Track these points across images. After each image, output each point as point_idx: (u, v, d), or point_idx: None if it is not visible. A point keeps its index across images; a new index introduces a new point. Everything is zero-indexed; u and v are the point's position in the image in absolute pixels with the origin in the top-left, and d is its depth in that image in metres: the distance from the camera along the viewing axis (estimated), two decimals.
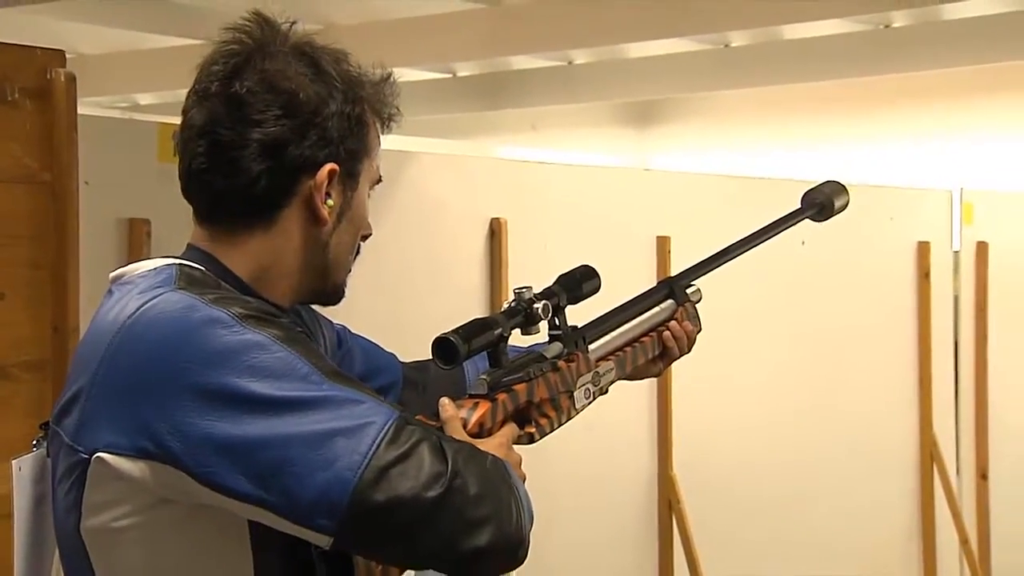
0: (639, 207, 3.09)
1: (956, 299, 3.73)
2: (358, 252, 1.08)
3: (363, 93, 1.05)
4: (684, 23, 3.41)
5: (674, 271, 3.08)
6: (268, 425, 0.89)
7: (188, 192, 1.05)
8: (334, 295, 1.07)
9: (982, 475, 3.73)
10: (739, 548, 3.14)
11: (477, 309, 2.75)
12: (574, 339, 1.13)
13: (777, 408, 3.31)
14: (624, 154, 5.79)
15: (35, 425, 1.66)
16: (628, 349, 1.21)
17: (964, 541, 3.60)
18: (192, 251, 1.04)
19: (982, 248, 3.75)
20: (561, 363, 1.11)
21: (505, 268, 2.76)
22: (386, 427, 0.90)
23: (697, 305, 1.32)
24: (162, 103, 4.42)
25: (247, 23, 1.04)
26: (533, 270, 2.86)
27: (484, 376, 1.04)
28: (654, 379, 3.05)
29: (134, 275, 1.00)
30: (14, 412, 1.66)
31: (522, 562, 0.97)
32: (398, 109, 1.08)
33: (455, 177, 2.71)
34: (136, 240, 2.08)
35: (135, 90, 4.38)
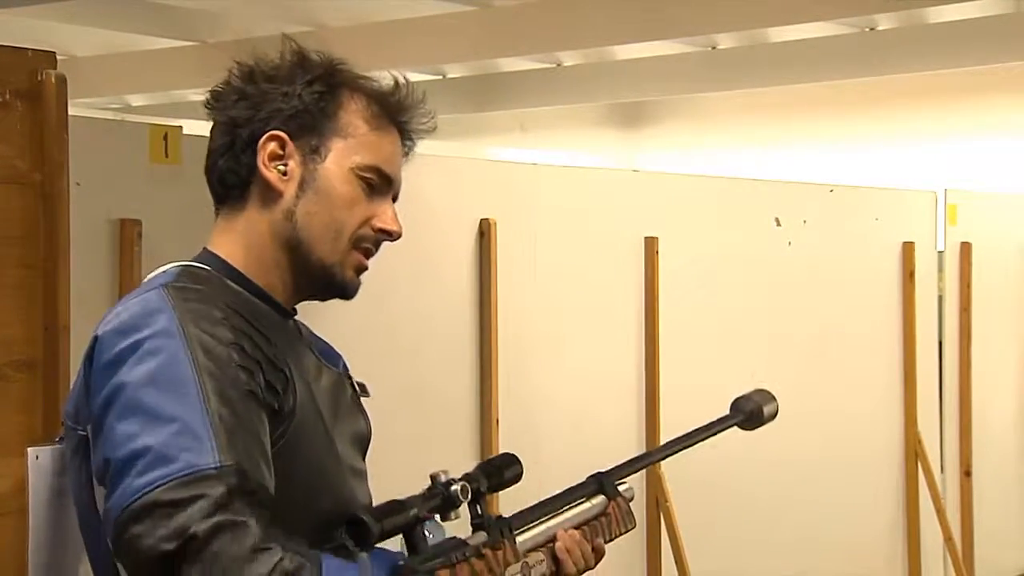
0: (627, 208, 3.11)
1: (940, 299, 3.76)
2: (375, 250, 1.10)
3: (342, 79, 1.08)
4: (671, 26, 3.43)
5: (662, 272, 3.14)
6: (128, 426, 0.94)
7: None
8: (326, 279, 1.08)
9: (966, 472, 3.77)
10: (726, 545, 3.17)
11: (466, 309, 2.77)
12: (499, 527, 1.04)
13: None
14: (612, 155, 5.81)
15: (27, 423, 1.67)
16: (559, 541, 1.08)
17: (948, 538, 3.63)
18: (202, 251, 1.10)
19: (966, 248, 3.79)
20: (486, 550, 1.01)
21: (494, 268, 2.78)
22: (186, 470, 0.90)
23: (631, 501, 1.19)
24: (153, 104, 4.42)
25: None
26: (522, 271, 2.90)
27: (402, 562, 0.97)
28: (642, 376, 3.10)
29: (150, 277, 1.08)
30: (6, 411, 1.67)
31: None
32: (402, 100, 1.10)
33: (444, 178, 2.72)
34: (127, 240, 2.09)
35: (126, 91, 4.38)
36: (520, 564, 1.04)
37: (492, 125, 5.06)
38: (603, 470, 1.18)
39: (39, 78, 1.74)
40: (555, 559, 1.08)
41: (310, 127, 1.07)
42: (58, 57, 1.80)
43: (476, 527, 1.02)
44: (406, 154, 1.13)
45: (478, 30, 3.58)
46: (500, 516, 1.04)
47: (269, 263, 1.07)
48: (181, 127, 2.24)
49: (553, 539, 1.08)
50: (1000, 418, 3.90)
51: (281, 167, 1.06)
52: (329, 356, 1.14)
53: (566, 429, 2.86)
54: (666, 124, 5.23)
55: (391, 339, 2.57)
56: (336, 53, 1.11)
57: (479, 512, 1.03)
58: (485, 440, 2.70)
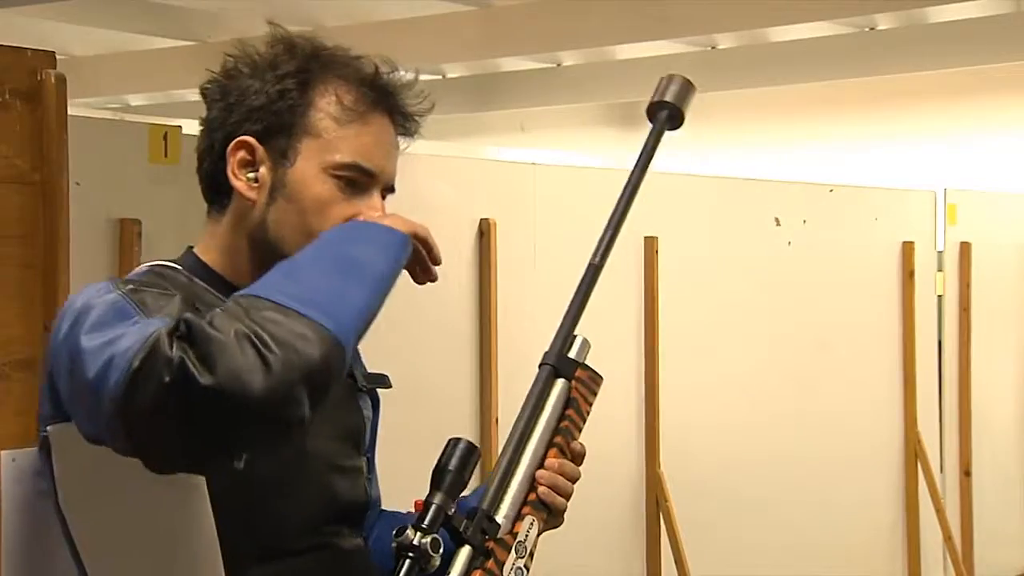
0: None
1: (940, 298, 3.77)
2: None
3: (316, 70, 1.02)
4: (671, 25, 3.44)
5: (661, 272, 3.14)
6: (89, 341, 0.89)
7: None
8: None
9: (965, 472, 3.77)
10: (726, 545, 3.17)
11: (466, 308, 2.77)
12: (479, 527, 0.97)
13: (764, 406, 3.34)
14: (612, 155, 5.81)
15: (26, 424, 1.67)
16: (541, 485, 1.03)
17: (948, 538, 3.63)
18: (185, 251, 1.09)
19: (965, 248, 3.79)
20: (476, 573, 0.96)
21: (494, 268, 2.78)
22: (140, 340, 0.83)
23: (589, 361, 1.08)
24: (153, 104, 4.42)
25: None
26: (521, 270, 2.90)
27: None
28: (641, 377, 3.11)
29: None
30: (5, 411, 1.67)
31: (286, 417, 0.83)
32: (384, 84, 1.04)
33: (444, 178, 2.73)
34: (127, 240, 2.09)
35: (126, 91, 4.38)
36: (514, 547, 0.98)
37: (492, 125, 5.06)
38: (548, 348, 1.06)
39: (39, 78, 1.74)
40: (543, 503, 1.02)
41: (279, 128, 1.02)
42: (58, 57, 1.80)
43: (457, 539, 0.96)
44: (408, 134, 1.08)
45: (478, 30, 3.58)
46: (474, 511, 0.97)
47: (246, 266, 1.04)
48: (180, 127, 2.24)
49: (532, 486, 1.02)
50: (1000, 418, 3.90)
51: (251, 174, 1.02)
52: None
53: None
54: None
55: (390, 338, 2.57)
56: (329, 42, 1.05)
57: (455, 527, 0.96)
58: (484, 439, 2.70)
